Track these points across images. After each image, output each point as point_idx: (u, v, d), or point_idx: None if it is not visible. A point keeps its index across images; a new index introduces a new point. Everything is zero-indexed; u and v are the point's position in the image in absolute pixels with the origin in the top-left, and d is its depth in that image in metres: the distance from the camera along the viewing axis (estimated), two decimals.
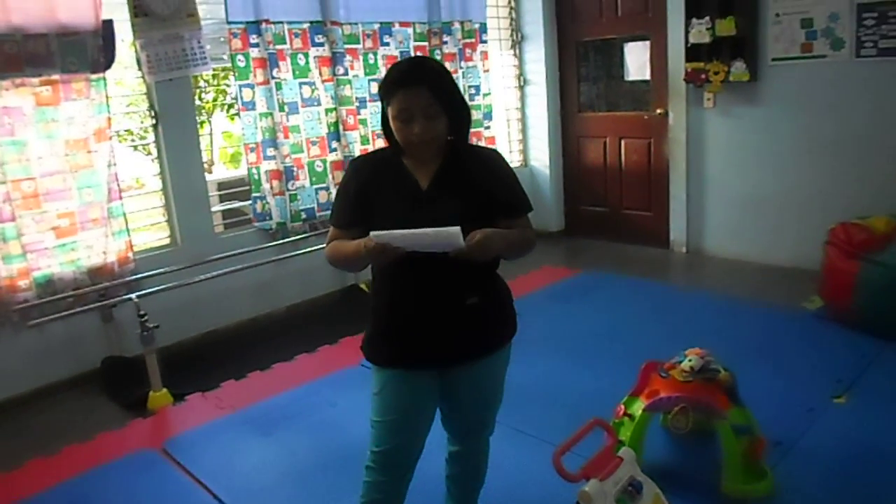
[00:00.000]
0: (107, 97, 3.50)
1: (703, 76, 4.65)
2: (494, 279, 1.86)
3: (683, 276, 4.96)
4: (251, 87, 4.09)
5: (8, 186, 3.23)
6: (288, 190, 4.30)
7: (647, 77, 5.25)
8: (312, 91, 4.35)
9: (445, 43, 5.06)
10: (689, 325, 3.70)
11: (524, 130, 5.97)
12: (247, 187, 4.28)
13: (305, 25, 4.27)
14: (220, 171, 7.08)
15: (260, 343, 3.97)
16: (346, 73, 4.48)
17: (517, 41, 5.78)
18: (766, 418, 2.37)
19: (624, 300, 4.25)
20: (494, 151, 1.91)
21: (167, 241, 4.01)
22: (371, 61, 4.63)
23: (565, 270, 4.92)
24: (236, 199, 4.62)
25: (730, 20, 4.45)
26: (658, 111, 5.16)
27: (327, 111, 4.45)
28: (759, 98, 4.58)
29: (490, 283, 1.84)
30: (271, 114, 4.18)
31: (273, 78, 4.14)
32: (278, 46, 4.15)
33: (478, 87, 5.33)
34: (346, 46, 4.47)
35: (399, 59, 4.64)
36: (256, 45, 4.05)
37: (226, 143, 7.34)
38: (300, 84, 4.29)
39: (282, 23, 4.16)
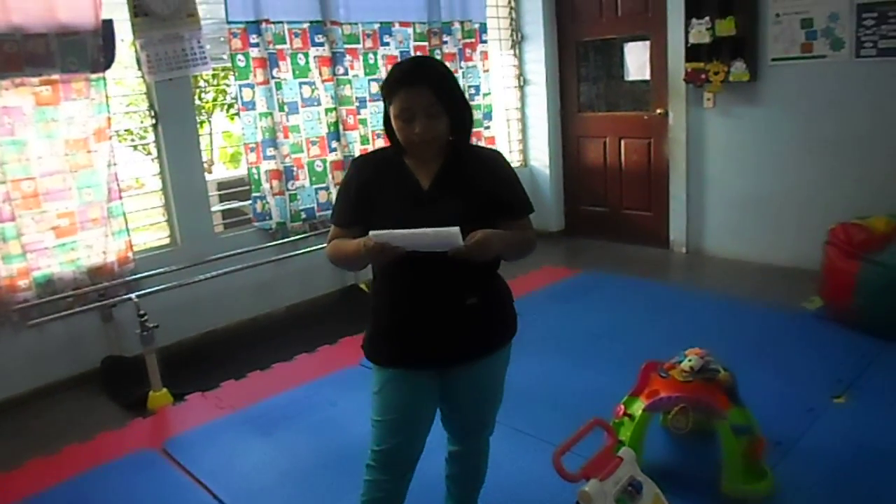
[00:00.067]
0: (107, 97, 3.50)
1: (703, 76, 4.65)
2: (495, 279, 1.86)
3: (683, 276, 4.96)
4: (251, 86, 4.10)
5: (8, 186, 3.23)
6: (288, 190, 4.30)
7: (647, 77, 5.25)
8: (312, 91, 4.36)
9: (445, 43, 5.06)
10: (689, 325, 3.70)
11: (524, 130, 5.97)
12: (247, 187, 4.28)
13: (305, 25, 4.27)
14: (220, 171, 7.10)
15: (260, 343, 3.97)
16: (346, 73, 4.48)
17: (517, 41, 5.78)
18: (765, 418, 2.37)
19: (624, 300, 4.25)
20: (496, 152, 1.91)
21: (167, 240, 4.01)
22: (371, 61, 4.63)
23: (565, 270, 4.92)
24: (236, 199, 4.62)
25: (730, 20, 4.45)
26: (658, 111, 5.16)
27: (327, 111, 4.45)
28: (759, 98, 4.58)
29: (490, 284, 1.84)
30: (271, 114, 4.18)
31: (273, 78, 4.14)
32: (278, 46, 4.15)
33: (478, 87, 5.33)
34: (346, 46, 4.47)
35: (399, 59, 4.66)
36: (256, 45, 4.05)
37: (226, 143, 7.33)
38: (300, 84, 4.29)
39: (282, 23, 4.16)
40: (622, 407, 2.41)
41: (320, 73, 4.37)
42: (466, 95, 5.08)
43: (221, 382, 3.45)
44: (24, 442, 3.06)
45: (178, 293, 3.74)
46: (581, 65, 5.69)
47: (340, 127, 4.51)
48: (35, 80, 3.25)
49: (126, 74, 4.20)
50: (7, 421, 3.27)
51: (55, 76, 3.30)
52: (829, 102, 4.31)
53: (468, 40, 5.20)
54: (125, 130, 6.00)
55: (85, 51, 3.36)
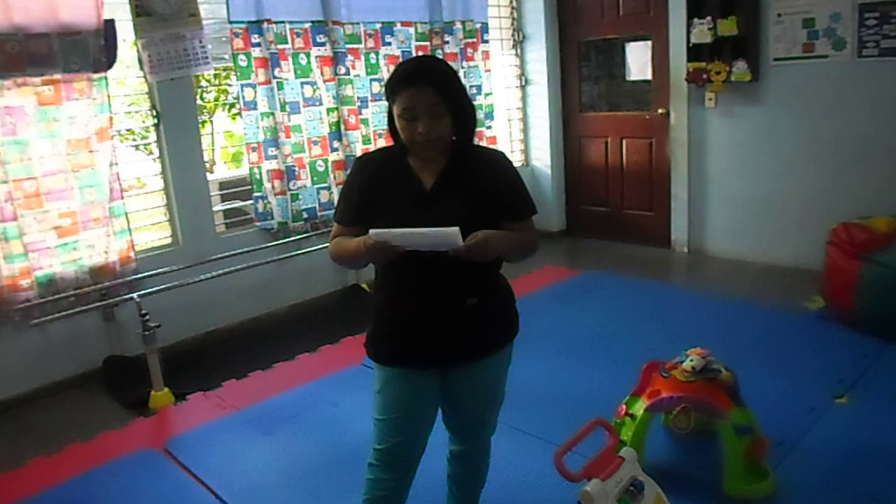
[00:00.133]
0: (108, 97, 3.50)
1: (705, 76, 4.65)
2: (496, 280, 1.85)
3: (685, 276, 4.96)
4: (253, 86, 4.10)
5: (10, 186, 3.24)
6: (289, 189, 4.31)
7: (649, 77, 5.25)
8: (314, 91, 4.36)
9: (447, 43, 5.06)
10: (691, 324, 3.70)
11: (525, 130, 5.97)
12: (248, 187, 4.29)
13: (307, 25, 4.27)
14: (222, 171, 7.09)
15: (261, 342, 3.97)
16: (347, 73, 4.48)
17: (519, 41, 5.78)
18: (767, 418, 2.37)
19: (625, 300, 4.25)
20: (500, 153, 1.90)
21: (169, 240, 4.01)
22: (373, 61, 4.63)
23: (567, 270, 4.92)
24: (238, 199, 4.62)
25: (731, 20, 4.45)
26: (660, 111, 5.16)
27: (329, 111, 4.45)
28: (760, 98, 4.58)
29: (491, 284, 1.84)
30: (273, 113, 4.18)
31: (275, 77, 4.14)
32: (280, 46, 4.15)
33: (479, 87, 5.33)
34: (348, 46, 4.47)
35: (401, 59, 4.66)
36: (258, 45, 4.06)
37: (227, 143, 7.33)
38: (302, 84, 4.29)
39: (283, 22, 4.16)
40: (624, 407, 2.41)
41: (322, 73, 4.37)
42: None
43: (223, 382, 3.46)
44: (25, 441, 3.07)
45: (179, 293, 3.75)
46: (582, 64, 5.69)
47: (342, 127, 4.52)
48: (37, 79, 3.25)
49: (128, 74, 4.20)
50: (9, 420, 3.28)
51: (57, 76, 3.30)
52: (830, 102, 4.31)
53: (470, 40, 5.20)
54: (127, 130, 6.00)
55: (87, 51, 3.36)
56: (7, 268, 3.28)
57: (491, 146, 5.08)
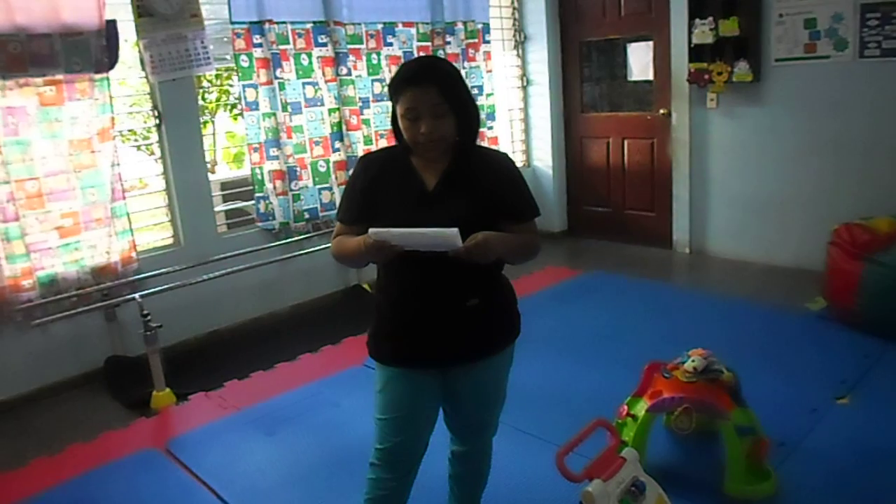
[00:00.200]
0: (110, 97, 3.51)
1: (707, 76, 4.65)
2: (498, 281, 1.85)
3: (686, 276, 4.95)
4: (254, 87, 4.10)
5: (12, 186, 3.24)
6: (291, 190, 4.31)
7: (651, 77, 5.24)
8: (316, 91, 4.36)
9: (449, 43, 5.06)
10: (692, 325, 3.70)
11: (527, 131, 5.97)
12: (250, 187, 4.29)
13: (308, 26, 4.27)
14: (224, 171, 7.10)
15: (263, 343, 3.97)
16: (349, 74, 4.49)
17: (520, 41, 5.78)
18: (769, 419, 2.37)
19: (627, 301, 4.25)
20: (503, 154, 1.90)
21: (170, 240, 4.01)
22: (374, 61, 4.63)
23: (568, 271, 4.92)
24: (239, 199, 4.63)
25: (733, 20, 4.44)
26: (661, 111, 5.16)
27: (330, 111, 4.45)
28: (762, 98, 4.58)
29: (493, 285, 1.83)
30: (274, 114, 4.18)
31: (276, 78, 4.15)
32: (281, 46, 4.15)
33: (481, 88, 5.33)
34: (350, 47, 4.47)
35: (402, 59, 4.66)
36: (260, 46, 4.06)
37: (229, 143, 7.34)
38: (303, 84, 4.29)
39: (285, 23, 4.16)
40: (625, 407, 2.41)
41: (323, 74, 4.37)
42: None
43: (225, 382, 3.46)
44: (27, 441, 3.07)
45: (181, 293, 3.75)
46: (584, 65, 5.69)
47: (344, 127, 4.52)
48: (39, 80, 3.25)
49: (130, 75, 4.21)
50: (11, 420, 3.28)
51: (59, 76, 3.31)
52: (832, 103, 4.30)
53: (471, 41, 5.20)
54: (129, 130, 6.02)
55: (89, 51, 3.36)
56: (9, 268, 3.28)
57: (493, 147, 5.07)
